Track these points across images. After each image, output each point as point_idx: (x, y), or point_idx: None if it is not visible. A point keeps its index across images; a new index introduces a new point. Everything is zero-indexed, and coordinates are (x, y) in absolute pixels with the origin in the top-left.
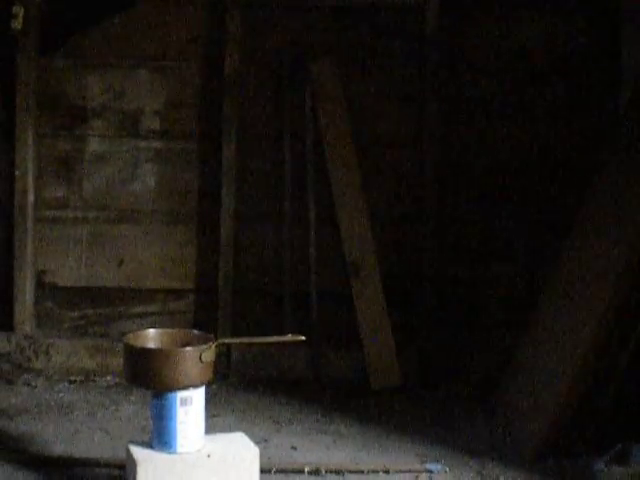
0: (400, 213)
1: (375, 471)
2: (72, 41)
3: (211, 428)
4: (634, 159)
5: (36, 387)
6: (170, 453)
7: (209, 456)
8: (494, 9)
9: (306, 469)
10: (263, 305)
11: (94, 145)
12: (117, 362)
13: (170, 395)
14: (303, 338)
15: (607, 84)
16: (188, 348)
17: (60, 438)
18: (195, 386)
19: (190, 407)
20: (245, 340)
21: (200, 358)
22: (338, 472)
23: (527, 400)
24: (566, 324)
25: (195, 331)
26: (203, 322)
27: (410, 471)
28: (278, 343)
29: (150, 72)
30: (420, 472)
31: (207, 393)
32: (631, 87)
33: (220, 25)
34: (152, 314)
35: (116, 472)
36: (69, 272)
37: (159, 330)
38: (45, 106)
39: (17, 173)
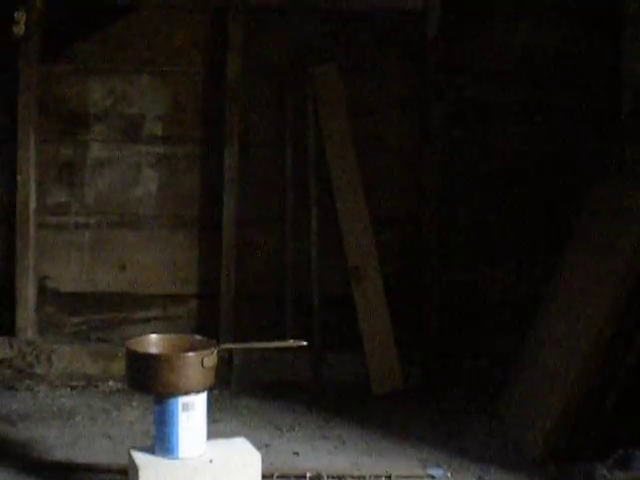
0: (402, 217)
1: (377, 476)
2: (74, 46)
3: (213, 433)
4: (637, 161)
5: (38, 392)
6: (172, 458)
7: (211, 461)
8: (495, 13)
9: (308, 474)
10: (265, 310)
11: (96, 150)
12: (119, 367)
13: (172, 400)
14: (305, 343)
15: (608, 87)
16: (190, 353)
17: (62, 443)
18: (197, 391)
19: (192, 412)
20: (247, 345)
21: (202, 363)
22: (340, 477)
23: (529, 404)
24: (568, 328)
25: (197, 336)
26: (205, 327)
27: (412, 476)
28: (280, 348)
29: (152, 77)
30: (422, 477)
31: (209, 398)
32: (632, 90)
33: (222, 30)
34: (154, 319)
35: (118, 477)
36: (71, 277)
37: (161, 335)
38: (47, 111)
39: (19, 179)
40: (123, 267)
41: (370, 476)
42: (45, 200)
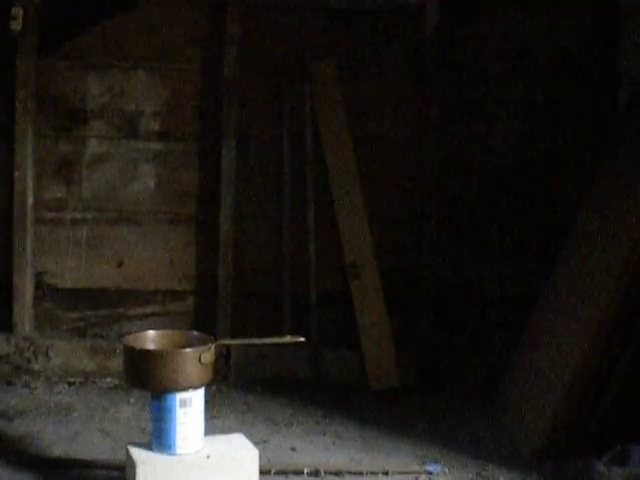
0: (399, 214)
1: (374, 472)
2: (71, 42)
3: (210, 429)
4: (634, 159)
5: (35, 388)
6: (169, 454)
7: (208, 457)
8: (493, 10)
9: (305, 470)
10: (262, 306)
11: (93, 146)
12: (116, 363)
13: (169, 396)
14: (302, 339)
15: (606, 84)
16: (187, 349)
17: (59, 439)
18: (194, 387)
19: (189, 408)
20: (244, 341)
21: (199, 359)
22: (337, 473)
23: (526, 401)
24: (565, 324)
25: (194, 332)
26: (202, 323)
27: (409, 472)
28: (277, 344)
29: (150, 73)
30: (419, 473)
31: (206, 394)
32: (630, 88)
33: (220, 26)
34: (151, 315)
35: (115, 474)
36: (68, 273)
37: (158, 331)
38: (44, 107)
39: (16, 174)
40: (120, 263)
41: (367, 472)
42: (43, 196)
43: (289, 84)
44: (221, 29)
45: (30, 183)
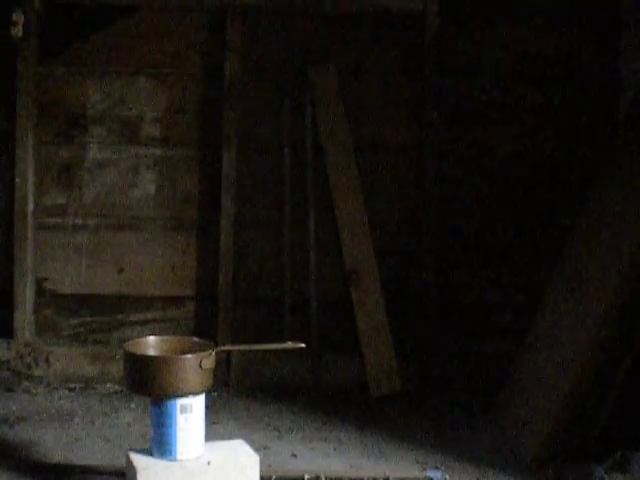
0: (400, 220)
1: (375, 478)
2: (72, 48)
3: (211, 435)
4: (636, 165)
5: (36, 394)
6: (170, 460)
7: (209, 463)
8: (494, 16)
9: (306, 476)
10: (263, 312)
11: (94, 152)
12: (117, 369)
13: (170, 402)
14: (303, 345)
15: (607, 90)
16: (188, 355)
17: (60, 445)
18: (195, 393)
19: (190, 414)
20: (245, 347)
21: (200, 365)
22: (338, 479)
23: (527, 407)
24: (566, 331)
25: (195, 338)
26: (203, 329)
27: (410, 478)
28: (278, 350)
29: (150, 79)
30: (420, 479)
31: (207, 400)
32: (631, 94)
33: (220, 32)
34: (152, 321)
35: (116, 479)
36: (69, 279)
37: (159, 337)
38: (45, 113)
39: (17, 180)
40: (121, 269)
41: (368, 478)
42: (43, 202)
43: (290, 90)
44: (221, 35)
45: (31, 189)
